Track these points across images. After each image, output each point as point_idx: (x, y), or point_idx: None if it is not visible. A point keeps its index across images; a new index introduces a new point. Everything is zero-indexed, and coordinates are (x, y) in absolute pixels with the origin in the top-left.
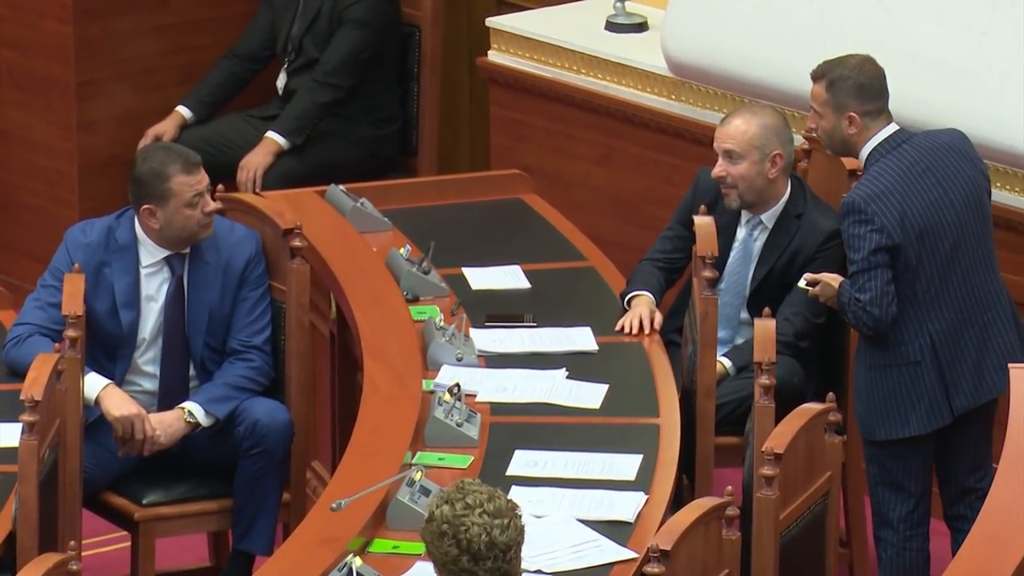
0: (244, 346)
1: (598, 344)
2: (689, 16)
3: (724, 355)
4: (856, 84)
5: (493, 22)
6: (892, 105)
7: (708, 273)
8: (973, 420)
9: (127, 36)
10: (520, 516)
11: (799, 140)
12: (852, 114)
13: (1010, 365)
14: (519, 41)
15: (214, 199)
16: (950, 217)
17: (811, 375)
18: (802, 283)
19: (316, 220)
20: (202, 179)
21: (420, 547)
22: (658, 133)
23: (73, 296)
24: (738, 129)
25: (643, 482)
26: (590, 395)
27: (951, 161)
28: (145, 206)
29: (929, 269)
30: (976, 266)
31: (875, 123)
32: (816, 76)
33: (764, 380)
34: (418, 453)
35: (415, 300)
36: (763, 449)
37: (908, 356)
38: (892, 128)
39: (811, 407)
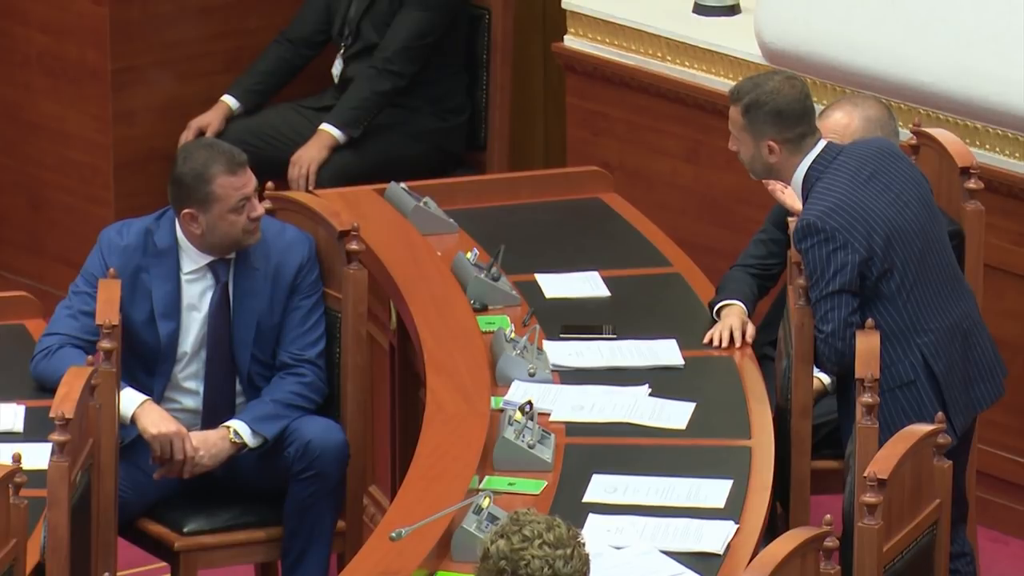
0: (295, 359)
1: (684, 358)
2: None
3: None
4: (773, 110)
5: (570, 4)
6: (1010, 96)
7: (804, 281)
8: (961, 444)
9: (169, 19)
10: (583, 544)
11: (905, 135)
12: (771, 143)
13: None
14: (598, 25)
15: (263, 199)
16: (910, 217)
17: None
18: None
19: (375, 221)
20: (248, 181)
21: None
22: None
23: (108, 304)
24: (839, 123)
25: (733, 510)
26: (675, 414)
27: (892, 163)
28: (186, 210)
29: (904, 274)
30: (946, 268)
31: (800, 148)
32: (732, 98)
33: (867, 398)
34: (486, 477)
35: (483, 309)
36: (865, 474)
37: (901, 377)
38: (821, 144)
39: (918, 428)
